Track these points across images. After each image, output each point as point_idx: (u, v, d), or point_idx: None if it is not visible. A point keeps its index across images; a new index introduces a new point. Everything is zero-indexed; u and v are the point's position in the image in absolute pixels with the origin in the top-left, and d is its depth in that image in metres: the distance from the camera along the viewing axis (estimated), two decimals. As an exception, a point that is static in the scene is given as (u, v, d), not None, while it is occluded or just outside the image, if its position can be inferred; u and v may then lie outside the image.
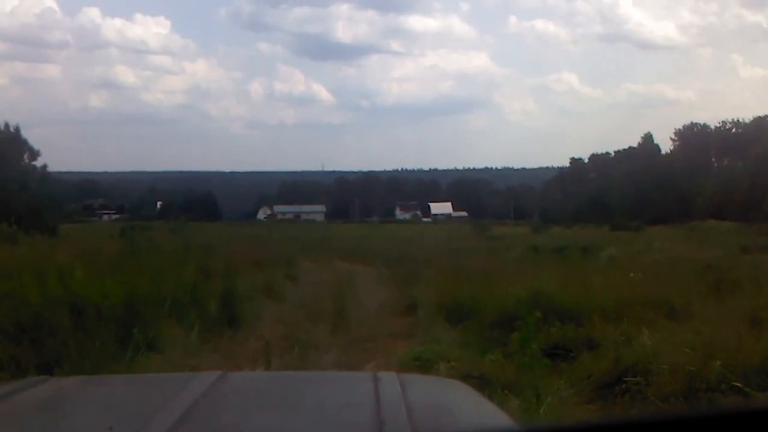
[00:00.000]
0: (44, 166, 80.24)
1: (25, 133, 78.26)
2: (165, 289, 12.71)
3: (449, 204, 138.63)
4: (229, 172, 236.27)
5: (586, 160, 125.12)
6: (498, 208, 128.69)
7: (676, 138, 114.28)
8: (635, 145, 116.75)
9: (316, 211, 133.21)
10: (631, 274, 13.49)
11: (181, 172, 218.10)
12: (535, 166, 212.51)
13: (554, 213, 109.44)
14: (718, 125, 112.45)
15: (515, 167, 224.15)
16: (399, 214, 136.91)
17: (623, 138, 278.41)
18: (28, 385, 2.42)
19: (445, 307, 13.39)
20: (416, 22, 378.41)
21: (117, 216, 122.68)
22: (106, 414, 2.17)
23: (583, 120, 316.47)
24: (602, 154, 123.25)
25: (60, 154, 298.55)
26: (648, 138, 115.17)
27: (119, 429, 1.85)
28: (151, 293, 12.10)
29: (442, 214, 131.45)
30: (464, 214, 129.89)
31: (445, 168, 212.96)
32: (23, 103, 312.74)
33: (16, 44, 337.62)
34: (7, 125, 76.54)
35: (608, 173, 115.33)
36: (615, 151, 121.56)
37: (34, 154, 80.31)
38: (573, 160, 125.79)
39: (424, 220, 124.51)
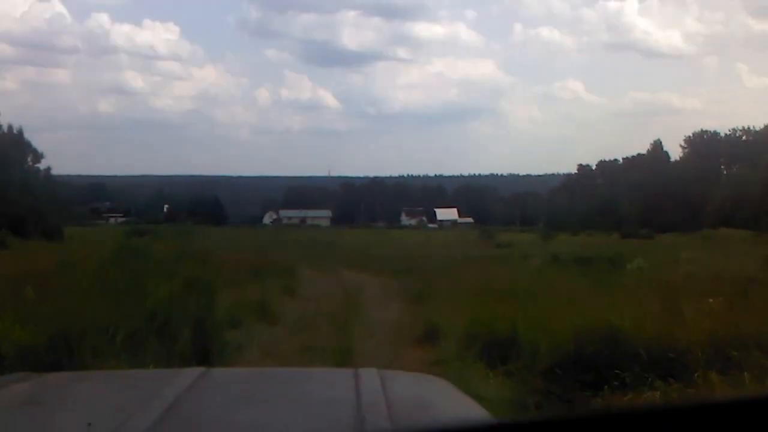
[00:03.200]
0: (48, 169, 77.52)
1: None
2: (123, 313, 9.75)
3: (455, 210, 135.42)
4: (237, 177, 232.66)
5: (594, 167, 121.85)
6: (504, 215, 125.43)
7: (685, 145, 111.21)
8: (642, 152, 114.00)
9: (321, 215, 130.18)
10: (710, 300, 10.35)
11: (190, 176, 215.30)
12: (541, 173, 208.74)
13: (561, 220, 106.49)
14: (728, 133, 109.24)
15: (521, 174, 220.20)
16: (405, 219, 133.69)
17: (629, 146, 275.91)
18: (10, 381, 2.35)
19: (477, 338, 10.36)
20: (422, 29, 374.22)
21: (124, 219, 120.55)
22: (87, 410, 2.11)
23: (589, 127, 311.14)
24: (610, 160, 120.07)
25: (70, 158, 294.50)
26: (657, 145, 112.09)
27: (101, 424, 1.81)
28: (100, 321, 9.12)
29: (447, 220, 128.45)
30: (470, 220, 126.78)
31: (451, 174, 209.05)
32: (34, 108, 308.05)
33: (27, 49, 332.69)
34: (10, 127, 73.87)
35: (616, 180, 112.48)
36: (623, 158, 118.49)
37: (38, 157, 77.67)
38: (581, 167, 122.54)
39: (430, 226, 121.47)
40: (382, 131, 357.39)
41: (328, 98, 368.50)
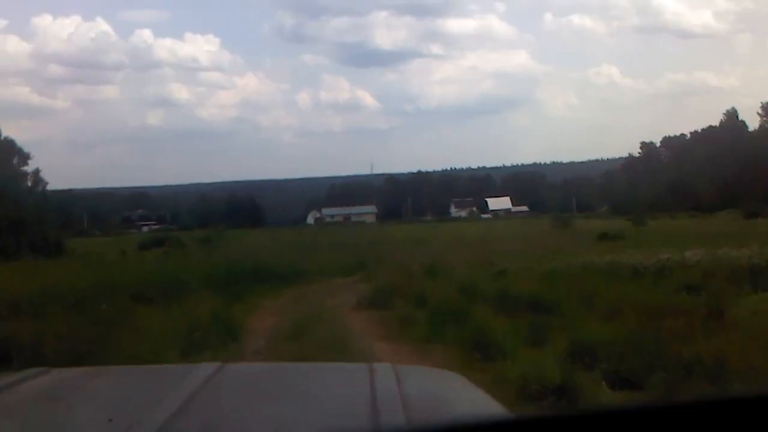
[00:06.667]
0: (36, 171, 59.26)
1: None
2: None
3: (507, 199, 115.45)
4: (283, 180, 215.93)
5: (658, 144, 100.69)
6: (557, 202, 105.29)
7: (763, 113, 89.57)
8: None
9: (366, 212, 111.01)
10: None
11: (236, 182, 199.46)
12: (584, 159, 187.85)
13: (627, 202, 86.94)
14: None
15: (564, 161, 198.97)
16: (454, 211, 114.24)
17: (671, 126, 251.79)
18: (29, 376, 2.21)
19: None
20: (454, 24, 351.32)
21: (157, 227, 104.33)
22: (106, 405, 2.00)
23: (628, 111, 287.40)
24: (676, 136, 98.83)
25: (120, 170, 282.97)
26: (732, 115, 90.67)
27: (119, 419, 1.71)
28: None
29: (501, 210, 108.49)
30: (525, 208, 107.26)
31: (494, 165, 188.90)
32: (85, 124, 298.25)
33: (76, 68, 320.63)
34: (-13, 125, 55.90)
35: (685, 156, 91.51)
36: (691, 132, 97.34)
37: (25, 158, 59.67)
38: (644, 145, 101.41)
39: (483, 216, 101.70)
40: (422, 127, 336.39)
41: (367, 98, 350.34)
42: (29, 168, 59.37)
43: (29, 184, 59.89)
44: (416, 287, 13.86)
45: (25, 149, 60.18)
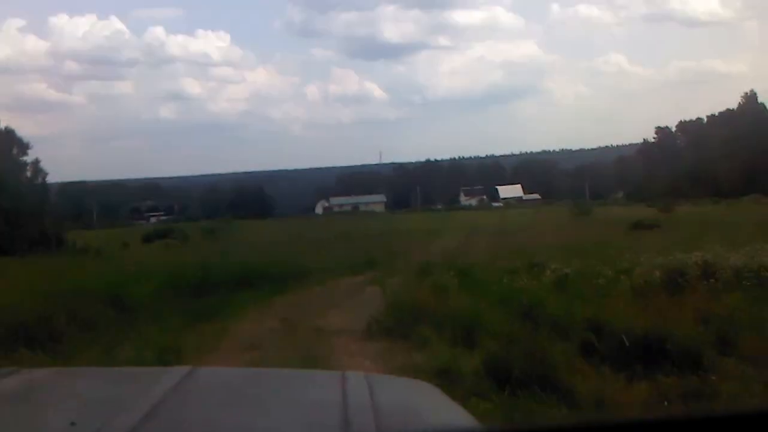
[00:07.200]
0: (36, 162, 55.56)
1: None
2: None
3: (519, 186, 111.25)
4: (292, 170, 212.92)
5: (674, 129, 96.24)
6: (569, 189, 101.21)
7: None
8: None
9: (375, 201, 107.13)
10: None
11: (246, 173, 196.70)
12: (594, 146, 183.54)
13: (642, 189, 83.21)
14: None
15: (573, 149, 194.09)
16: (464, 200, 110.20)
17: (680, 112, 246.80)
18: None
19: None
20: (461, 16, 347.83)
21: (165, 218, 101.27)
22: (72, 407, 1.91)
23: (636, 99, 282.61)
24: (693, 120, 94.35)
25: (133, 162, 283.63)
26: (751, 97, 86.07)
27: (85, 422, 1.66)
28: None
29: (512, 198, 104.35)
30: (536, 196, 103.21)
31: (502, 153, 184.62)
32: (100, 119, 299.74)
33: (91, 64, 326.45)
34: (-15, 112, 52.31)
35: (703, 141, 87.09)
36: (708, 116, 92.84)
37: (24, 148, 55.97)
38: (659, 130, 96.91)
39: (495, 204, 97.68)
40: (430, 117, 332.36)
41: (375, 89, 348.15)
42: (29, 158, 55.71)
43: (28, 175, 56.27)
44: (448, 302, 9.93)
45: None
